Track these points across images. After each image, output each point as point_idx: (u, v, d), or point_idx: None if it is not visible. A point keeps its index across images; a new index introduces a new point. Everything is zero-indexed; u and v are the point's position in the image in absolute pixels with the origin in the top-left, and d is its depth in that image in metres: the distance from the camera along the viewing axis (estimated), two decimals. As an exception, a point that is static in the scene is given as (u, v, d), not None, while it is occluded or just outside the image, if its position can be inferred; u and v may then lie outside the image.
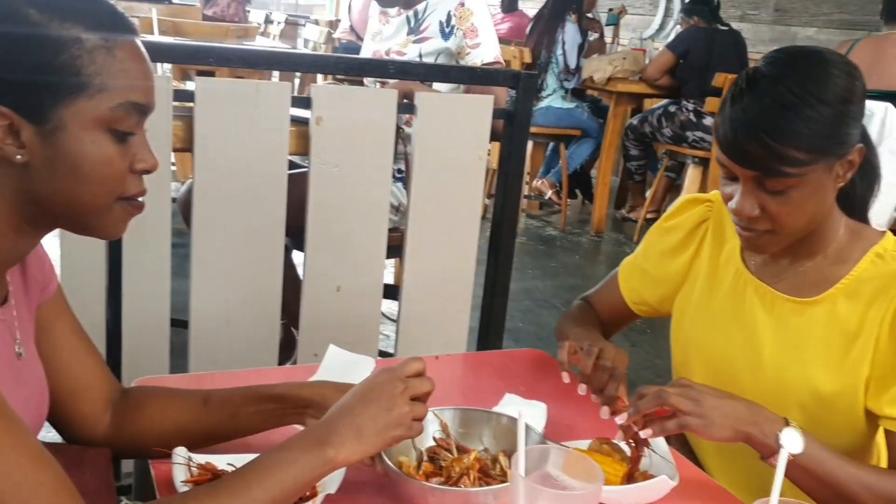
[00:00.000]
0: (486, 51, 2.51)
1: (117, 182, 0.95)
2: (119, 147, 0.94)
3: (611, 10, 6.93)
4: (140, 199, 1.00)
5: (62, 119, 0.90)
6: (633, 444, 1.15)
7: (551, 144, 5.83)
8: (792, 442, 1.12)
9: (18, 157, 0.90)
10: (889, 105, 3.31)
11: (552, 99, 5.43)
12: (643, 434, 1.12)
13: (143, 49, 0.97)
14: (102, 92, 0.91)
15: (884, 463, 1.33)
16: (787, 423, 1.15)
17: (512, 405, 1.29)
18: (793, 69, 1.18)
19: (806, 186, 1.18)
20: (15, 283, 1.03)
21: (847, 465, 1.18)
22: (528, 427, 1.07)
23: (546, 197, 5.73)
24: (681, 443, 1.40)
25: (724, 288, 1.39)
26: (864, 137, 1.26)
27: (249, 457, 1.12)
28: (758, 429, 1.14)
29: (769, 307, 1.32)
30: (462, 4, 2.51)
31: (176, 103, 1.81)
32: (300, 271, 2.12)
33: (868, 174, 1.31)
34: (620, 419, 1.14)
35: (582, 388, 1.27)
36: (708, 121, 5.05)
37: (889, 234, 1.29)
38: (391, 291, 2.38)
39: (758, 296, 1.34)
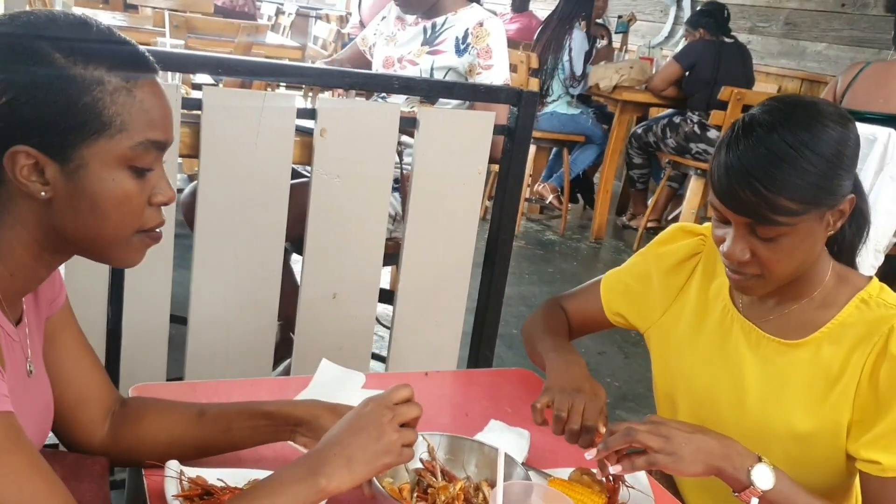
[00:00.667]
0: (496, 74, 2.52)
1: (136, 216, 1.00)
2: (138, 182, 0.98)
3: (620, 16, 6.94)
4: (158, 229, 1.04)
5: (84, 158, 0.94)
6: (609, 479, 1.18)
7: (554, 149, 5.85)
8: (763, 478, 1.15)
9: (42, 193, 0.95)
10: (892, 130, 3.33)
11: (557, 104, 5.45)
12: (612, 470, 1.15)
13: (162, 87, 1.00)
14: (123, 132, 0.95)
15: None
16: (759, 460, 1.18)
17: (497, 432, 1.33)
18: (788, 119, 1.20)
19: (796, 235, 1.21)
20: (28, 301, 1.07)
21: (817, 501, 1.21)
22: (510, 459, 1.11)
23: (547, 201, 5.76)
24: (663, 475, 1.43)
25: (712, 323, 1.41)
26: (856, 186, 1.29)
27: (240, 471, 1.16)
28: (729, 463, 1.17)
29: (754, 346, 1.35)
30: (481, 24, 2.53)
31: (184, 111, 1.84)
32: (298, 277, 2.16)
33: (858, 220, 1.34)
34: (590, 455, 1.18)
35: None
36: (712, 133, 5.07)
37: (874, 279, 1.32)
38: (386, 296, 2.41)
39: (743, 334, 1.37)
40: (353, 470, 1.00)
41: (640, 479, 1.24)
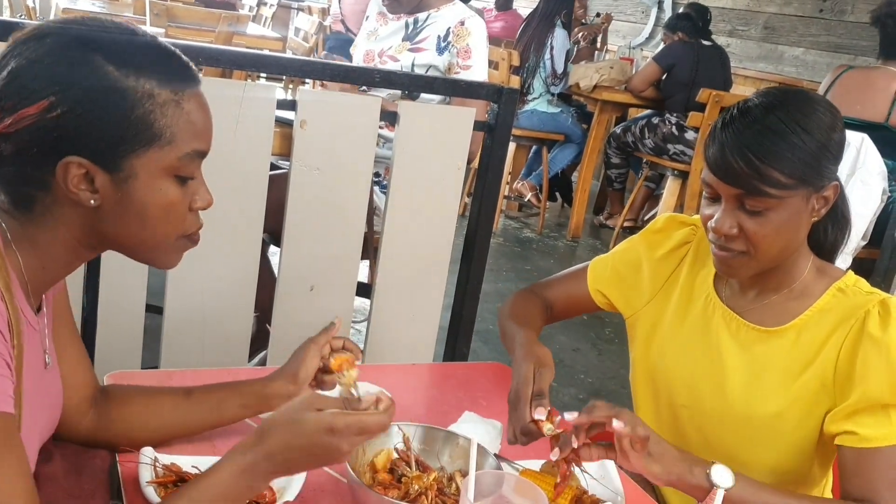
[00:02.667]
0: (475, 75, 2.53)
1: (179, 222, 1.03)
2: (181, 190, 1.01)
3: (598, 14, 6.98)
4: (197, 233, 1.07)
5: (134, 168, 0.97)
6: (566, 464, 1.16)
7: (534, 147, 5.87)
8: (722, 477, 1.17)
9: (91, 201, 0.97)
10: (866, 136, 3.37)
11: (537, 103, 5.47)
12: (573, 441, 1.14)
13: (205, 98, 1.03)
14: (171, 143, 0.98)
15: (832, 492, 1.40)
16: (712, 463, 1.20)
17: (470, 423, 1.34)
18: (783, 101, 1.28)
19: (783, 211, 1.26)
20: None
21: (782, 495, 1.24)
22: (483, 449, 1.12)
23: (525, 199, 5.79)
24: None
25: (695, 312, 1.45)
26: (844, 201, 1.38)
27: (215, 459, 1.17)
28: (688, 469, 1.18)
29: (734, 334, 1.40)
30: (462, 23, 2.54)
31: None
32: (276, 269, 2.16)
33: (840, 222, 1.40)
34: (570, 415, 1.16)
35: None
36: (690, 135, 5.11)
37: (850, 272, 1.38)
38: (364, 290, 2.42)
39: (725, 322, 1.41)
40: (289, 474, 1.06)
41: (609, 472, 1.25)
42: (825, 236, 1.39)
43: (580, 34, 6.39)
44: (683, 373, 1.44)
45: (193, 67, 1.03)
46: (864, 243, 3.39)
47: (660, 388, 1.48)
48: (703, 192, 1.33)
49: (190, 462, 1.14)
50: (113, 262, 1.89)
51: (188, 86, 1.00)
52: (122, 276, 1.92)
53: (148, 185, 0.98)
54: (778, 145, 1.23)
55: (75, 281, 1.88)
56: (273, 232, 2.20)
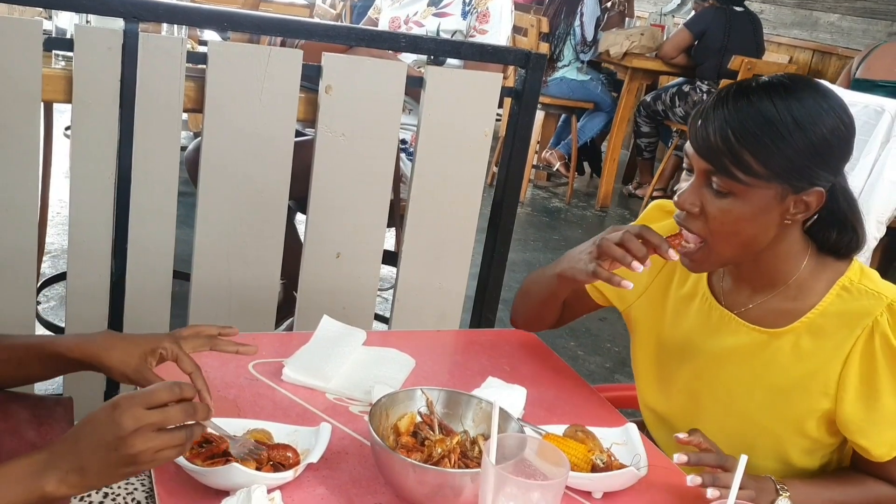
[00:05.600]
0: (490, 39, 2.50)
1: None
2: None
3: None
4: None
5: None
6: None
7: (563, 116, 5.82)
8: None
9: None
10: (901, 103, 3.30)
11: (567, 70, 5.41)
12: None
13: None
14: None
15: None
16: (778, 493, 1.20)
17: (493, 388, 1.34)
18: (788, 89, 1.17)
19: (749, 201, 1.17)
20: None
21: (823, 491, 1.26)
22: (506, 413, 1.12)
23: (554, 168, 5.74)
24: (667, 428, 1.42)
25: (692, 311, 1.38)
26: (843, 192, 1.25)
27: (238, 422, 1.17)
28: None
29: (734, 334, 1.32)
30: None
31: (189, 65, 1.83)
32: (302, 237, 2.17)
33: (846, 227, 1.27)
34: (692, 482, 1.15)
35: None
36: (721, 103, 5.03)
37: (855, 263, 1.28)
38: (390, 258, 2.42)
39: (723, 322, 1.33)
40: (86, 477, 0.90)
41: (632, 436, 1.25)
42: (832, 241, 1.27)
43: (610, 1, 6.29)
44: (686, 374, 1.38)
45: None
46: (899, 212, 3.33)
47: (663, 377, 1.43)
48: (684, 163, 1.25)
49: (258, 426, 1.15)
50: (141, 229, 1.91)
51: None
52: (150, 241, 1.93)
53: None
54: (762, 130, 1.14)
55: (103, 247, 1.90)
56: (299, 199, 2.21)
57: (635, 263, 1.24)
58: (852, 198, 1.27)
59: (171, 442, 0.92)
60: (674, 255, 1.23)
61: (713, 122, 1.17)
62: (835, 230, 1.26)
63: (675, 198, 1.24)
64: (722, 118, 1.16)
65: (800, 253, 1.27)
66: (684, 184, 1.24)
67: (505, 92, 2.17)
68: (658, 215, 1.47)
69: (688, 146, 1.22)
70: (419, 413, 1.20)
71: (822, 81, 1.31)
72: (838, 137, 1.17)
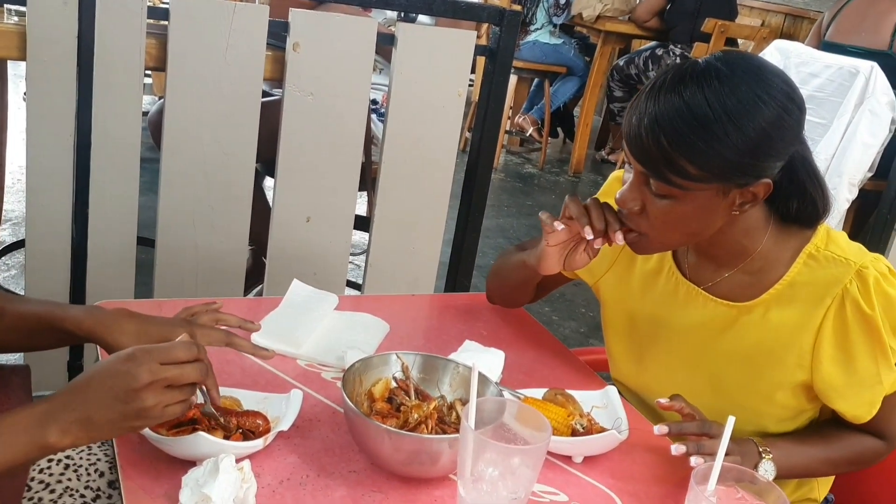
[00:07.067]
0: None
1: None
2: None
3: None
4: None
5: None
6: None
7: (535, 80, 5.76)
8: (767, 473, 1.15)
9: None
10: (875, 64, 3.28)
11: (540, 34, 5.35)
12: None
13: None
14: None
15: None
16: (760, 456, 1.17)
17: (471, 352, 1.30)
18: (726, 81, 1.07)
19: (690, 202, 1.12)
20: None
21: (806, 448, 1.24)
22: (484, 377, 1.08)
23: (527, 134, 5.70)
24: (638, 400, 1.41)
25: (659, 286, 1.34)
26: (806, 165, 1.18)
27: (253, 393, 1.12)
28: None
29: (702, 308, 1.28)
30: None
31: (150, 21, 1.76)
32: (270, 199, 2.11)
33: (807, 197, 1.21)
34: (659, 430, 1.14)
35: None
36: (694, 66, 5.00)
37: (821, 228, 1.23)
38: (362, 223, 2.37)
39: (690, 297, 1.30)
40: (90, 430, 0.88)
41: (612, 399, 1.22)
42: (793, 211, 1.22)
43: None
44: (656, 349, 1.34)
45: None
46: (870, 175, 3.32)
47: (634, 352, 1.40)
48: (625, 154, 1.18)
49: (226, 393, 1.10)
50: (102, 193, 1.84)
51: None
52: (113, 207, 1.87)
53: None
54: (697, 134, 1.05)
55: (63, 210, 1.83)
56: (267, 162, 2.14)
57: (587, 228, 1.19)
58: (812, 166, 1.20)
59: (180, 397, 0.92)
60: (620, 238, 1.18)
61: (644, 121, 1.09)
62: (795, 200, 1.20)
63: (617, 195, 1.18)
64: (653, 117, 1.08)
65: (760, 226, 1.22)
66: (627, 174, 1.18)
67: (479, 51, 2.11)
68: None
69: (623, 141, 1.15)
70: (394, 378, 1.16)
71: (771, 52, 1.23)
72: (780, 127, 1.09)
